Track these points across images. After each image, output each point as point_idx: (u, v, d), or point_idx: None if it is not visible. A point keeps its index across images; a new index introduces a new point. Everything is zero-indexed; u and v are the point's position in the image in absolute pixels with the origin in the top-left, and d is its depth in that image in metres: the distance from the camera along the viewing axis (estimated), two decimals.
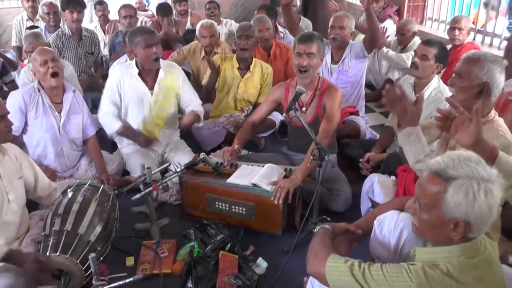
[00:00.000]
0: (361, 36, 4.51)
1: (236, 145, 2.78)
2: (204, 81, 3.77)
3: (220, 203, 2.51)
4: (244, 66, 3.64)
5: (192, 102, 3.14)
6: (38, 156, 2.87)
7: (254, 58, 3.69)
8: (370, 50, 3.58)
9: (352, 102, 3.69)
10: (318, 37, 2.66)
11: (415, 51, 2.97)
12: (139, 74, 2.97)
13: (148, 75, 2.99)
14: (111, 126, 3.02)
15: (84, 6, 4.52)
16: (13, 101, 2.73)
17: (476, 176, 1.21)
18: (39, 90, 2.79)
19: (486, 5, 4.72)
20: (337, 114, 2.71)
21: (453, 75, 2.00)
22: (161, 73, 3.01)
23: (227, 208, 2.50)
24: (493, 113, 1.95)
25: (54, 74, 2.72)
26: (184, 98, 3.14)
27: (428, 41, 2.92)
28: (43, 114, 2.80)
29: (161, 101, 3.05)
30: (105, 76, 4.57)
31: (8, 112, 2.19)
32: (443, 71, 3.40)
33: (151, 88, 3.00)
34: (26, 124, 2.80)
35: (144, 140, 3.05)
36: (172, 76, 3.06)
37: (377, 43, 3.60)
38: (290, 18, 3.87)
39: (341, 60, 3.59)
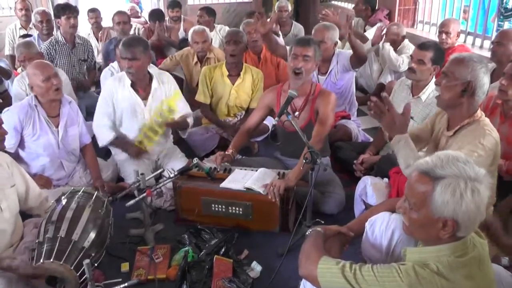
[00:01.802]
0: None
1: (231, 150, 2.79)
2: (198, 97, 3.68)
3: (216, 205, 2.52)
4: (235, 73, 3.60)
5: (183, 112, 3.14)
6: (37, 172, 2.85)
7: (244, 64, 3.66)
8: (355, 68, 3.54)
9: (344, 109, 3.69)
10: (315, 42, 2.69)
11: (411, 56, 2.95)
12: (132, 85, 2.98)
13: (140, 85, 2.99)
14: (103, 137, 3.06)
15: (78, 12, 4.53)
16: (8, 120, 2.63)
17: (464, 175, 1.22)
18: (36, 106, 2.75)
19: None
20: (331, 117, 2.71)
21: (441, 75, 2.04)
22: (154, 83, 3.01)
23: (224, 210, 2.51)
24: (479, 113, 1.99)
25: (58, 90, 2.72)
26: (175, 108, 3.12)
27: (423, 45, 2.88)
28: (40, 131, 2.77)
29: (155, 110, 3.05)
30: (97, 83, 4.59)
31: (2, 122, 2.19)
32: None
33: (144, 98, 3.00)
34: (22, 140, 2.77)
35: (135, 151, 3.07)
36: (165, 86, 3.07)
37: (363, 63, 3.64)
38: (271, 45, 3.63)
39: (328, 72, 3.55)
